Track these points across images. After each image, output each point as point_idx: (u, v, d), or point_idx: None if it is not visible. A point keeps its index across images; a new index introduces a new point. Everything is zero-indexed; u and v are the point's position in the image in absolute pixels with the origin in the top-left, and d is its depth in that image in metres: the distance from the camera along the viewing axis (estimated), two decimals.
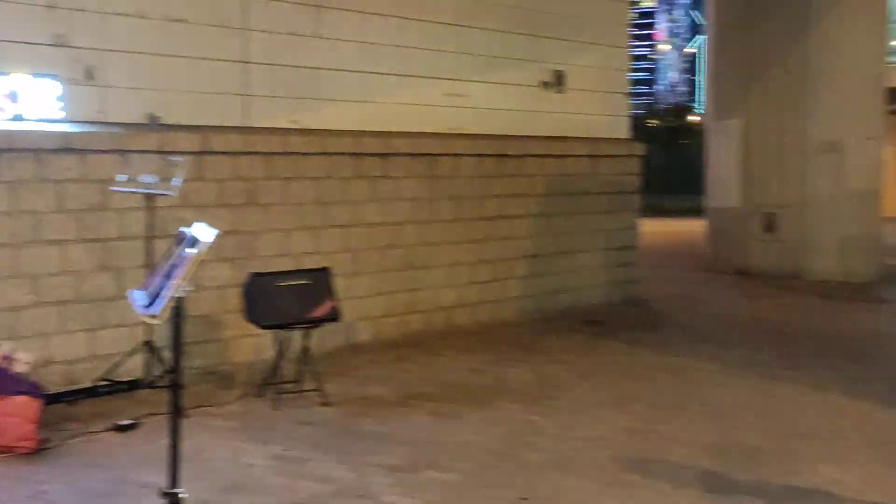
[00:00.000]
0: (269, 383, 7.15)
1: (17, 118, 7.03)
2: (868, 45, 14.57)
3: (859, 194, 14.11)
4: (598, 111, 11.96)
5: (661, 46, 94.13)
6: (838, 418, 6.79)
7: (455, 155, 10.16)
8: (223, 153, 8.22)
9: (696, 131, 36.35)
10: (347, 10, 9.28)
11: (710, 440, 6.25)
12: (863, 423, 6.68)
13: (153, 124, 7.83)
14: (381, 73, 9.61)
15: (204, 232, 3.93)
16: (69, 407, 6.79)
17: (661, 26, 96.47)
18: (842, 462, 5.79)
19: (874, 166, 14.54)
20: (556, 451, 6.00)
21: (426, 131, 9.96)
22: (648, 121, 42.06)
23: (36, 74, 7.13)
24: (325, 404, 6.98)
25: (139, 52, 7.82)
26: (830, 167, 14.12)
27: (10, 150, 6.94)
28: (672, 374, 8.19)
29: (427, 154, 9.89)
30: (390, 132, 9.59)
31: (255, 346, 8.12)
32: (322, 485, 5.36)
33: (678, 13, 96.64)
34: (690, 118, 41.31)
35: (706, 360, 8.71)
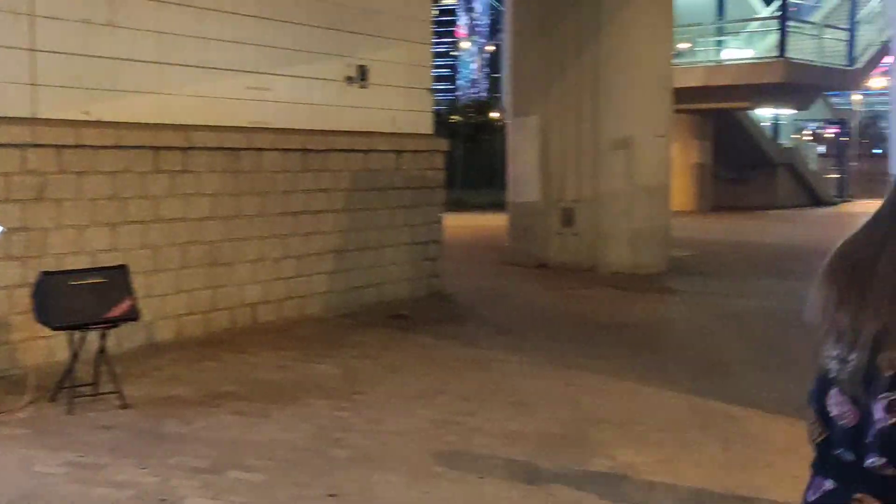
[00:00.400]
0: (64, 387, 6.82)
1: None
2: (655, 47, 15.31)
3: (649, 189, 14.82)
4: (401, 106, 12.04)
5: (462, 44, 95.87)
6: (633, 404, 7.11)
7: (258, 149, 9.99)
8: (9, 145, 7.77)
9: (497, 128, 37.26)
10: None
11: (514, 430, 6.42)
12: (655, 407, 7.03)
13: None
14: (181, 65, 9.33)
15: None
16: None
17: (463, 24, 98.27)
18: (636, 445, 6.07)
19: (663, 163, 15.31)
20: (364, 446, 6.01)
21: (229, 125, 9.75)
22: (451, 117, 42.74)
23: None
24: (124, 407, 6.72)
25: None
26: (621, 163, 14.77)
27: None
28: (477, 366, 8.36)
29: (230, 148, 9.68)
30: (191, 125, 9.33)
31: (47, 348, 7.73)
32: (121, 490, 5.16)
33: (479, 11, 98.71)
34: (492, 115, 42.25)
35: (509, 352, 8.93)
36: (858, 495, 1.80)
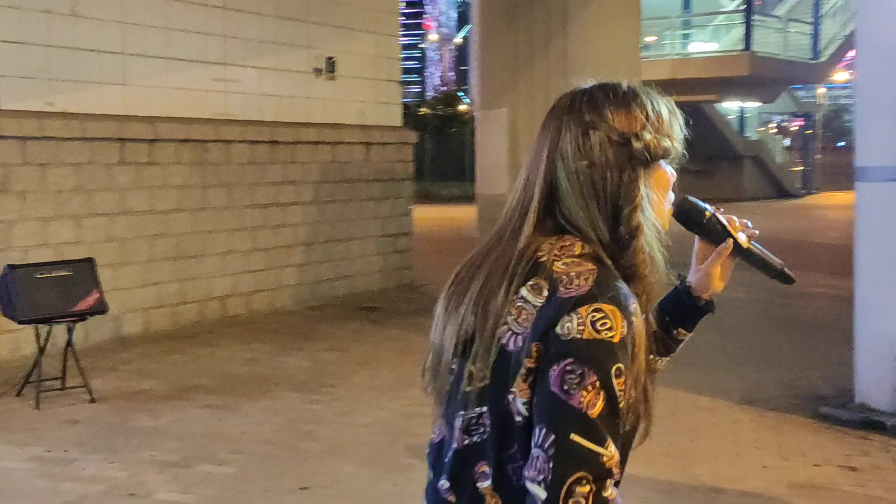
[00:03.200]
0: (31, 381, 6.73)
1: None
2: (622, 40, 15.36)
3: None
4: (370, 99, 12.01)
5: (430, 36, 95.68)
6: None
7: (226, 141, 9.92)
8: None
9: (465, 120, 37.26)
10: None
11: None
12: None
13: None
14: (146, 56, 9.24)
15: None
16: None
17: (430, 16, 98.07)
18: None
19: None
20: (335, 438, 5.99)
21: (196, 117, 9.67)
22: (420, 109, 42.71)
23: None
24: (92, 401, 6.65)
25: None
26: None
27: None
28: None
29: (197, 140, 9.61)
30: (157, 117, 9.25)
31: (12, 342, 7.64)
32: (90, 485, 5.11)
33: (446, 4, 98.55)
34: (460, 107, 42.25)
35: None
36: None
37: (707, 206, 1.89)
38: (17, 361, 7.33)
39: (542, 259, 1.57)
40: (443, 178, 34.63)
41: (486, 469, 1.57)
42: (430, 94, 60.07)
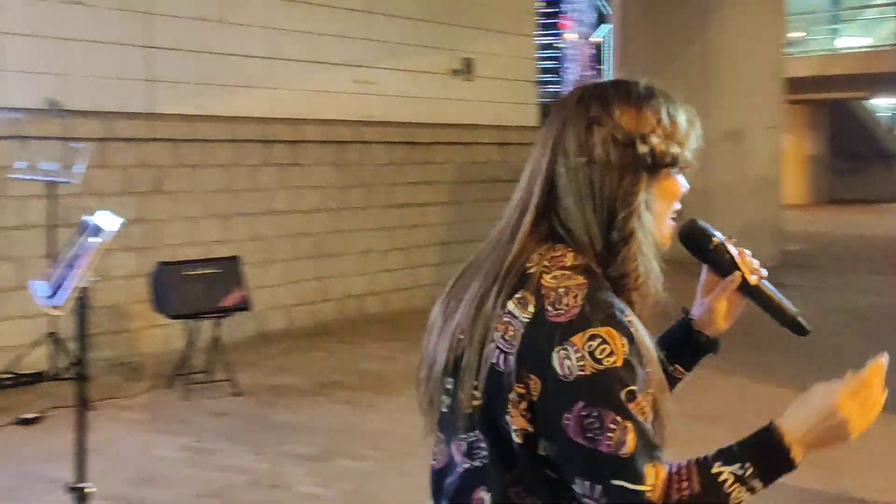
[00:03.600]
0: (179, 374, 7.03)
1: None
2: (766, 36, 14.94)
3: (760, 182, 14.48)
4: (506, 99, 12.02)
5: (567, 36, 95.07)
6: (744, 401, 6.96)
7: (365, 142, 10.11)
8: (127, 140, 8.03)
9: None
10: None
11: None
12: (765, 405, 6.87)
13: (54, 110, 7.60)
14: (289, 60, 9.50)
15: (108, 221, 3.84)
16: None
17: (568, 15, 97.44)
18: None
19: (774, 154, 14.94)
20: None
21: (336, 118, 9.89)
22: None
23: None
24: (236, 394, 6.89)
25: (39, 36, 7.58)
26: (732, 155, 14.46)
27: None
28: None
29: (337, 141, 9.82)
30: (300, 119, 9.49)
31: (164, 336, 7.97)
32: (235, 475, 5.29)
33: (584, 3, 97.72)
34: None
35: None
36: None
37: (717, 232, 1.76)
38: (168, 355, 7.65)
39: (531, 270, 1.48)
40: None
41: (484, 495, 1.49)
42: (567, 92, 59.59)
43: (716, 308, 1.76)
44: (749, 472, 1.43)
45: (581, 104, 1.55)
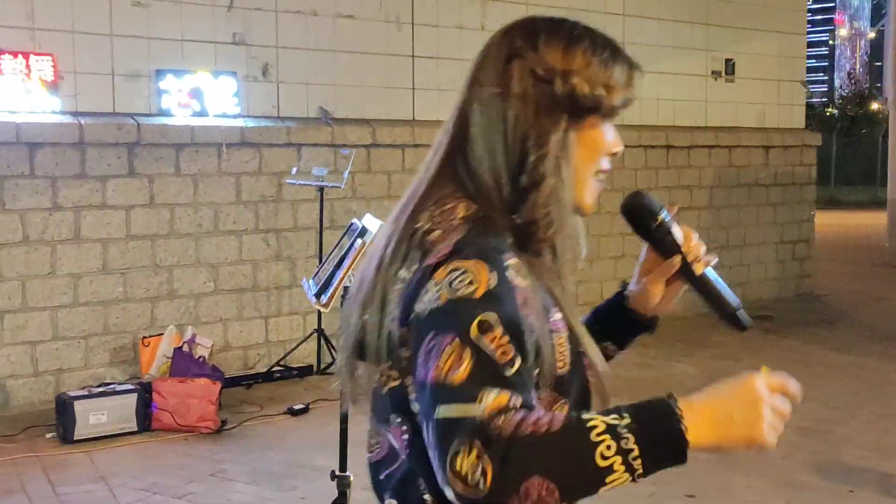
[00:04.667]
0: None
1: (199, 114, 7.38)
2: None
3: None
4: (770, 100, 11.58)
5: (840, 31, 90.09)
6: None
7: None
8: (391, 146, 8.39)
9: (877, 121, 34.68)
10: (513, 2, 9.30)
11: (889, 443, 5.97)
12: None
13: (324, 118, 8.07)
14: None
15: (373, 223, 4.04)
16: (246, 390, 7.10)
17: (842, 10, 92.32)
18: None
19: None
20: None
21: None
22: (827, 110, 40.42)
23: (216, 72, 7.47)
24: None
25: (311, 49, 8.07)
26: None
27: (193, 144, 7.30)
28: (848, 374, 7.86)
29: None
30: None
31: None
32: None
33: None
34: (872, 106, 39.41)
35: (886, 360, 8.31)
36: None
37: (664, 210, 1.55)
38: None
39: (420, 228, 1.35)
40: (849, 183, 32.51)
41: (422, 483, 1.34)
42: (839, 93, 56.63)
43: (651, 291, 1.61)
44: (625, 424, 1.18)
45: (507, 36, 1.44)
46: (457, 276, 1.24)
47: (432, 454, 1.18)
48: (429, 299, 1.25)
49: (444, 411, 1.16)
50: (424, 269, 1.29)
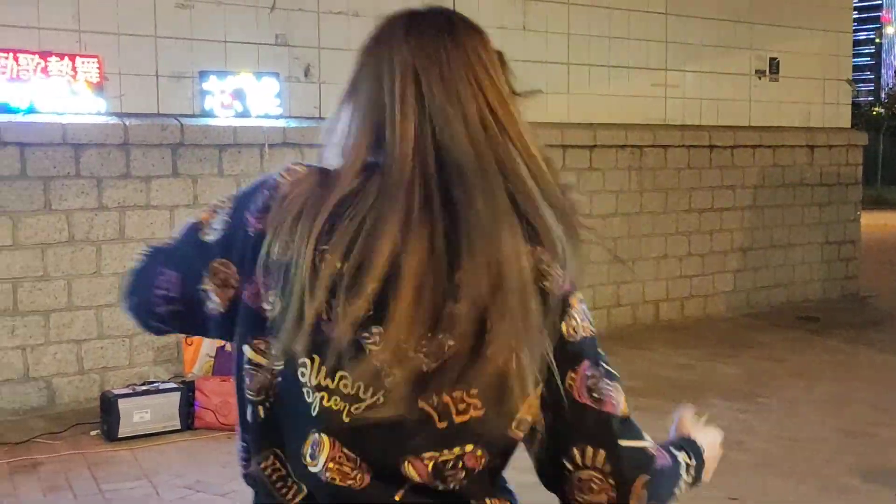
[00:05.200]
0: None
1: (242, 115, 7.44)
2: None
3: None
4: (815, 99, 11.45)
5: (887, 29, 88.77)
6: None
7: (663, 146, 9.97)
8: None
9: None
10: (555, 2, 9.28)
11: None
12: None
13: None
14: (588, 65, 9.56)
15: None
16: None
17: (888, 8, 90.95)
18: None
19: None
20: (767, 451, 5.80)
21: (633, 122, 9.82)
22: (873, 109, 39.89)
23: (258, 73, 7.52)
24: None
25: (353, 49, 8.06)
26: None
27: (235, 144, 7.36)
28: (895, 376, 7.75)
29: (634, 145, 9.76)
30: (597, 123, 9.52)
31: None
32: None
33: None
34: None
35: None
36: None
37: None
38: None
39: None
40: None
41: None
42: (885, 91, 55.86)
43: None
44: (691, 467, 1.53)
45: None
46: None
47: None
48: None
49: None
50: None
